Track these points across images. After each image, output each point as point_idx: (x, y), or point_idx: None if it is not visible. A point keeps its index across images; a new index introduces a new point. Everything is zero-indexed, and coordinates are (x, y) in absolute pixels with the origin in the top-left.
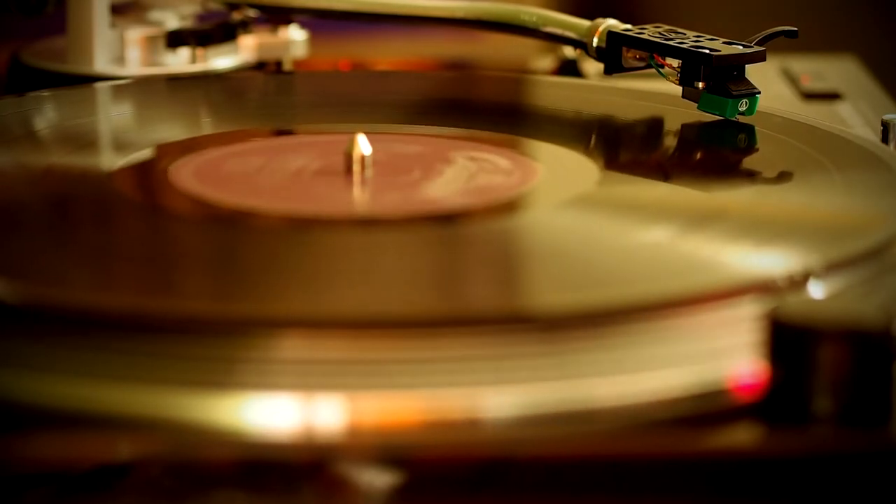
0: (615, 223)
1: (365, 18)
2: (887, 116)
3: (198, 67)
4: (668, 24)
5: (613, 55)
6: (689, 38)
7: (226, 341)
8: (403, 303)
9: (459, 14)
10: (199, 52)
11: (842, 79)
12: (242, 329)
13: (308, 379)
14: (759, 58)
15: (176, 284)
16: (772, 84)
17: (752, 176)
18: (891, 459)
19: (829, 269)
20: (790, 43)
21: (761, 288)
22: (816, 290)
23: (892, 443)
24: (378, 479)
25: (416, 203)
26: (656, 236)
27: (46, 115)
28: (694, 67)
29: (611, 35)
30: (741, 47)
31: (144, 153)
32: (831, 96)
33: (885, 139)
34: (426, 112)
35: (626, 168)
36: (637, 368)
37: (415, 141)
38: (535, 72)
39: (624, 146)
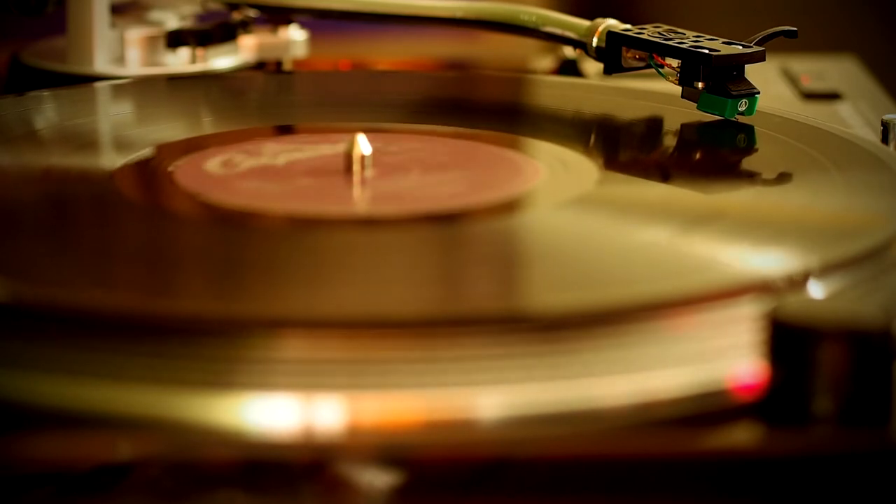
0: (614, 223)
1: (365, 18)
2: (887, 116)
3: (198, 67)
4: (668, 24)
5: (613, 55)
6: (688, 38)
7: (226, 341)
8: (403, 303)
9: (459, 14)
10: (199, 52)
11: (842, 79)
12: (242, 329)
13: (308, 379)
14: (758, 58)
15: (176, 284)
16: (772, 84)
17: (751, 176)
18: (891, 459)
19: (829, 269)
20: (790, 43)
21: (761, 288)
22: (816, 290)
23: (892, 443)
24: (378, 479)
25: (416, 203)
26: (656, 236)
27: (46, 114)
28: (693, 67)
29: (610, 35)
30: (741, 47)
31: (144, 153)
32: (831, 96)
33: (885, 139)
34: (426, 112)
35: (626, 168)
36: (637, 368)
37: (415, 141)
38: (535, 72)
39: (623, 146)
